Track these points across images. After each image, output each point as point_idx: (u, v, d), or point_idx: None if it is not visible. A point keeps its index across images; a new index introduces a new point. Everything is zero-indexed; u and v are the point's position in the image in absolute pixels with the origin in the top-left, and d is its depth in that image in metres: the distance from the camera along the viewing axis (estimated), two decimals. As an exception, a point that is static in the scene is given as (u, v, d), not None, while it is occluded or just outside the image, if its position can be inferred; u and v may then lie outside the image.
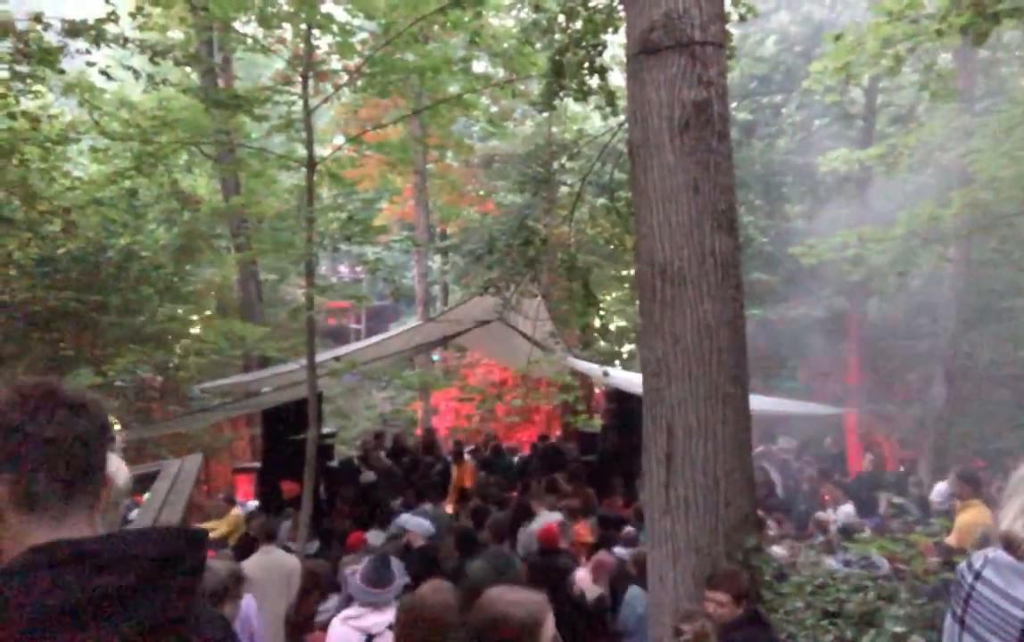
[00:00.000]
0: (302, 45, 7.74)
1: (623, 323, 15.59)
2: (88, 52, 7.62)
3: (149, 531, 1.21)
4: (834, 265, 12.59)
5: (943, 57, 12.65)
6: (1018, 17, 7.01)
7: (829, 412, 12.76)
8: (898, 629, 3.69)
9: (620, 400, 11.19)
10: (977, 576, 2.15)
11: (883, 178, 14.80)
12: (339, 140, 14.00)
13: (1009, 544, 2.13)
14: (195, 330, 11.48)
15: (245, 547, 6.82)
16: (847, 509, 8.52)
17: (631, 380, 8.71)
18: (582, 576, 6.30)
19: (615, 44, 7.27)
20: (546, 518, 7.75)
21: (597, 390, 13.65)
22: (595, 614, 6.13)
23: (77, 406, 1.25)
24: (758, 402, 7.30)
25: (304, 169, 7.63)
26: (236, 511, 9.55)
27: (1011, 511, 2.14)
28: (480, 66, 11.09)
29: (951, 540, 5.83)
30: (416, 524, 6.63)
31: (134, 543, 1.17)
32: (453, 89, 8.54)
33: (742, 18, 6.95)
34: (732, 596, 3.82)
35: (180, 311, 11.37)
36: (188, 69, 10.09)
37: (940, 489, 8.31)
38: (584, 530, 7.75)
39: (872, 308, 14.35)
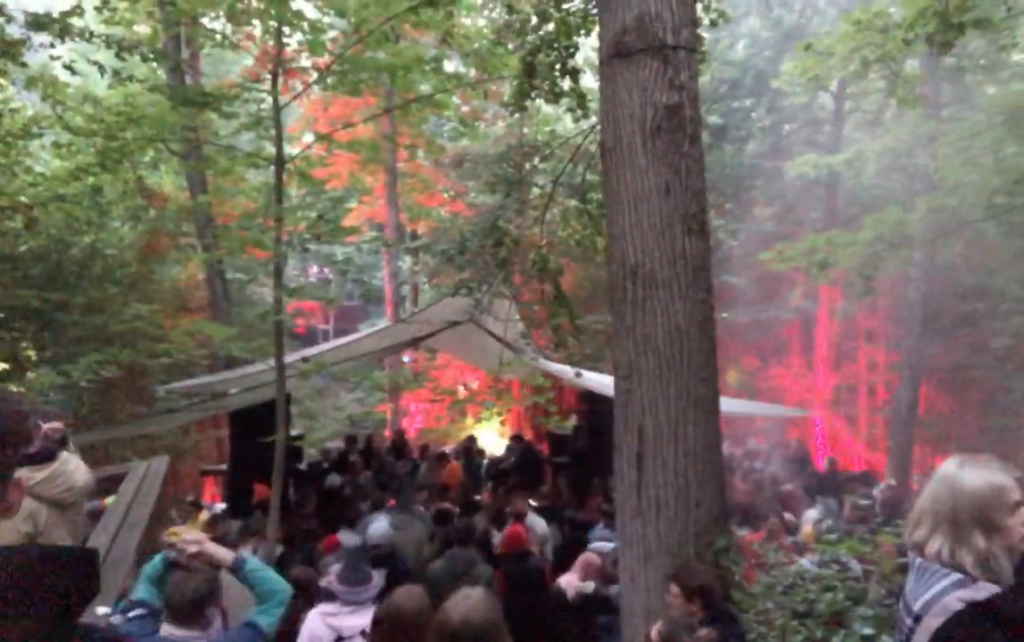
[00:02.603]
0: (271, 42, 7.65)
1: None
2: (52, 46, 7.46)
3: (12, 549, 1.18)
4: (802, 269, 12.73)
5: (910, 63, 12.84)
6: (982, 27, 7.15)
7: (797, 414, 12.90)
8: (867, 631, 3.72)
9: (592, 401, 11.22)
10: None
11: (851, 182, 15.05)
12: (309, 138, 13.88)
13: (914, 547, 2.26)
14: (160, 331, 11.29)
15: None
16: (813, 513, 8.60)
17: (602, 382, 8.73)
18: (568, 580, 6.28)
19: (587, 46, 7.28)
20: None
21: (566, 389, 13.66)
22: (596, 607, 6.11)
23: None
24: (728, 404, 7.37)
25: (272, 167, 7.53)
26: (203, 515, 9.40)
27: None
28: (451, 66, 11.05)
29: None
30: (374, 528, 6.56)
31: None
32: (424, 88, 8.49)
33: (713, 23, 7.00)
34: (683, 590, 3.85)
35: (146, 310, 11.17)
36: (155, 65, 9.94)
37: (810, 514, 8.48)
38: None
39: (838, 312, 14.53)
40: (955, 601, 2.03)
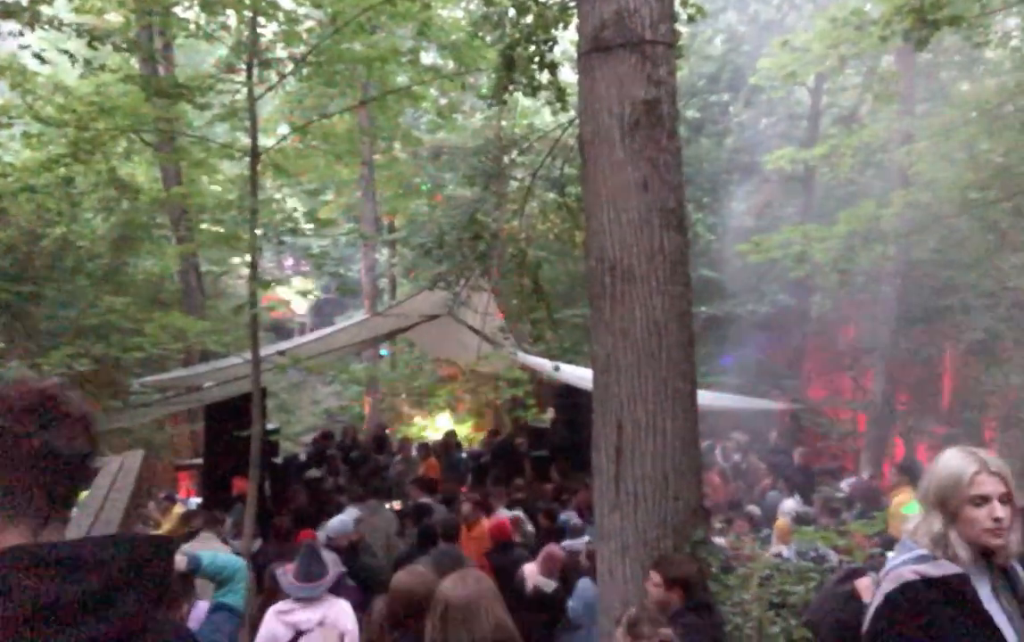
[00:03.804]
0: (246, 32, 7.55)
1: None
2: (21, 34, 7.32)
3: (118, 537, 1.20)
4: (779, 262, 12.82)
5: (886, 59, 12.96)
6: (956, 24, 7.23)
7: (774, 407, 12.99)
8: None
9: (570, 395, 11.23)
10: None
11: (827, 177, 15.16)
12: (284, 129, 13.75)
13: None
14: (134, 324, 11.13)
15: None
16: (791, 504, 8.66)
17: (581, 375, 8.73)
18: (531, 570, 6.29)
19: (566, 40, 7.26)
20: (500, 514, 7.75)
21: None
22: (549, 608, 6.12)
23: (80, 418, 1.24)
24: (706, 397, 7.40)
25: (247, 159, 7.45)
26: (178, 509, 9.32)
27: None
28: (429, 57, 10.98)
29: (891, 530, 6.01)
30: (333, 525, 6.53)
31: (103, 548, 1.16)
32: (401, 80, 8.44)
33: (691, 18, 6.99)
34: (664, 578, 3.87)
35: (119, 303, 11.02)
36: (127, 55, 9.78)
37: (787, 506, 8.58)
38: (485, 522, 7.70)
39: (815, 305, 14.66)
40: (910, 572, 2.14)
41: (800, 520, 7.31)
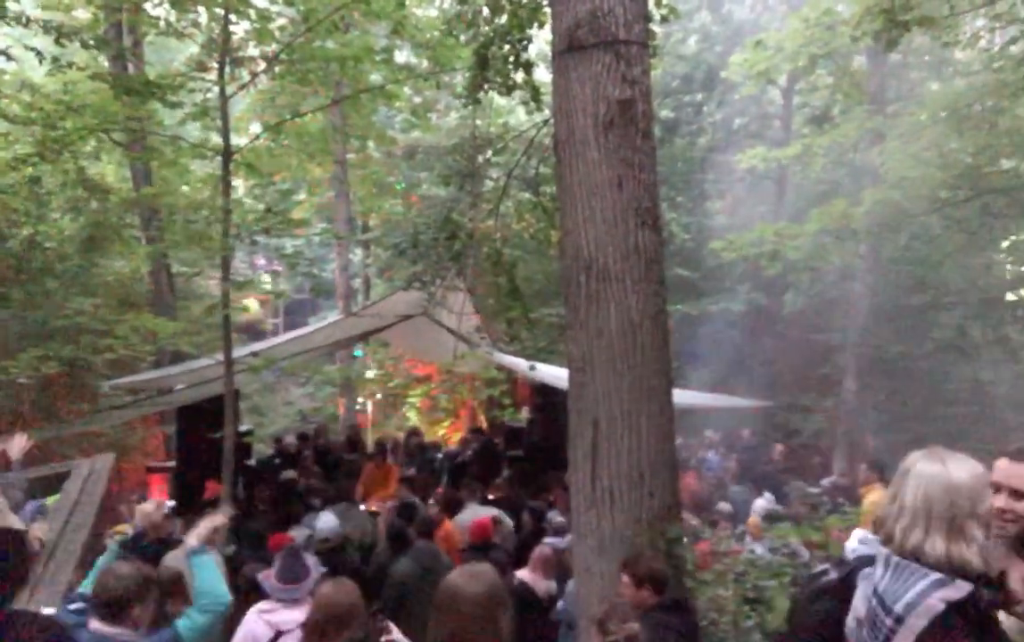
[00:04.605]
0: (218, 30, 7.47)
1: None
2: (-14, 31, 7.19)
3: None
4: (752, 260, 12.92)
5: (857, 60, 13.10)
6: (926, 25, 7.33)
7: (748, 405, 13.08)
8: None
9: (546, 394, 11.23)
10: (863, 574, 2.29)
11: (799, 176, 15.31)
12: (256, 128, 13.63)
13: (878, 529, 2.29)
14: (104, 326, 10.97)
15: (159, 548, 6.55)
16: (762, 502, 8.75)
17: (557, 374, 8.74)
18: (524, 573, 6.26)
19: (540, 39, 7.26)
20: (476, 512, 7.71)
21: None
22: (546, 609, 6.10)
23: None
24: (681, 395, 7.43)
25: (219, 158, 7.37)
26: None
27: (885, 499, 2.29)
28: (403, 56, 10.94)
29: (863, 526, 6.08)
30: (321, 525, 6.48)
31: None
32: (375, 79, 8.39)
33: (664, 18, 7.02)
34: (632, 577, 3.89)
35: (89, 304, 10.86)
36: (96, 52, 9.63)
37: (759, 505, 8.67)
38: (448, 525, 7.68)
39: (787, 303, 14.82)
40: (938, 602, 2.05)
41: (770, 518, 7.37)
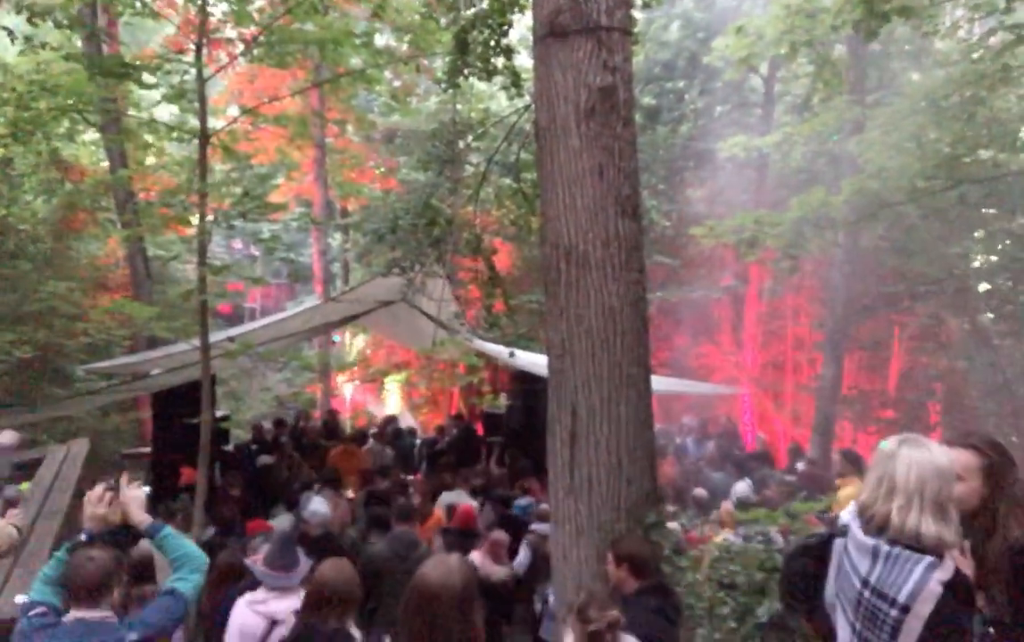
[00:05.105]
0: (195, 11, 7.35)
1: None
2: (-45, 9, 7.03)
3: None
4: (731, 248, 12.96)
5: (838, 48, 13.14)
6: (906, 15, 7.36)
7: (727, 392, 13.17)
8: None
9: (525, 380, 11.24)
10: (845, 549, 2.41)
11: (780, 164, 15.36)
12: (234, 111, 13.46)
13: (862, 513, 2.39)
14: (78, 310, 10.83)
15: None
16: (743, 486, 8.79)
17: (536, 361, 8.74)
18: (479, 558, 6.30)
19: (522, 25, 7.22)
20: (451, 499, 7.73)
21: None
22: (503, 596, 6.12)
23: None
24: (660, 382, 7.46)
25: (196, 141, 7.26)
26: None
27: (867, 485, 2.40)
28: (383, 39, 10.83)
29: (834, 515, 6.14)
30: (311, 511, 6.47)
31: None
32: (355, 62, 8.30)
33: (646, 4, 7.00)
34: (614, 555, 3.94)
35: (63, 288, 10.70)
36: (70, 32, 9.45)
37: (739, 488, 8.75)
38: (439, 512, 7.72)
39: (766, 290, 14.91)
40: (936, 585, 2.16)
41: (744, 505, 7.42)
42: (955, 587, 2.18)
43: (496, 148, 7.46)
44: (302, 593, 4.11)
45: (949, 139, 10.19)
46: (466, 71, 6.57)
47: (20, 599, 3.58)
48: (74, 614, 3.01)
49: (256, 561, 4.34)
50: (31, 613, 3.02)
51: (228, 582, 4.89)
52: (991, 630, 2.39)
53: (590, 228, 4.27)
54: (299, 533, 6.36)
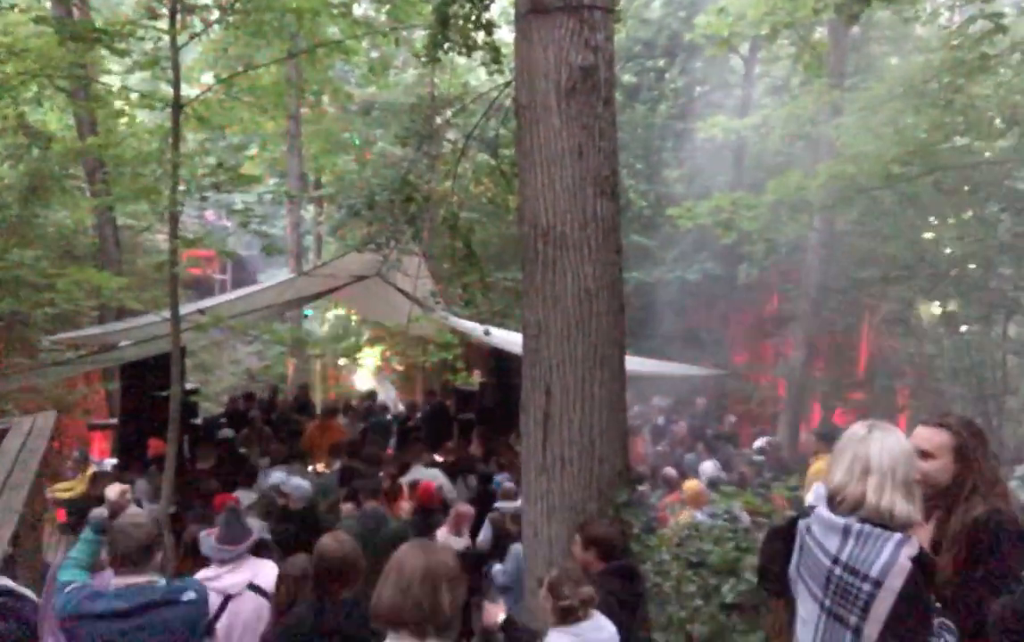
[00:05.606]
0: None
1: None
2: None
3: None
4: (708, 229, 12.99)
5: (819, 31, 13.13)
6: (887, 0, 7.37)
7: (701, 373, 13.22)
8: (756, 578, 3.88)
9: (500, 358, 11.22)
10: (808, 530, 2.49)
11: (758, 147, 15.38)
12: (208, 79, 13.22)
13: (834, 494, 2.46)
14: (45, 279, 10.61)
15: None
16: (710, 466, 8.85)
17: (511, 340, 8.71)
18: (442, 532, 6.33)
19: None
20: (419, 474, 7.70)
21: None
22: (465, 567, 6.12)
23: None
24: (635, 363, 7.47)
25: (169, 109, 7.11)
26: (91, 470, 9.00)
27: (837, 468, 2.47)
28: (361, 9, 10.65)
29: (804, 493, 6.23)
30: (294, 486, 6.43)
31: None
32: (332, 32, 8.16)
33: (629, -19, 6.94)
34: (581, 538, 3.98)
35: (29, 256, 10.48)
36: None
37: (706, 468, 8.84)
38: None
39: (741, 273, 14.97)
40: (906, 560, 2.26)
41: (713, 484, 7.48)
42: (922, 563, 2.29)
43: (475, 124, 7.38)
44: (256, 563, 4.09)
45: (926, 125, 10.25)
46: (446, 45, 6.47)
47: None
48: (118, 581, 3.06)
49: (211, 532, 4.29)
50: (68, 589, 3.04)
51: (193, 556, 4.84)
52: (938, 605, 2.50)
53: (568, 209, 4.27)
54: (280, 507, 6.35)
